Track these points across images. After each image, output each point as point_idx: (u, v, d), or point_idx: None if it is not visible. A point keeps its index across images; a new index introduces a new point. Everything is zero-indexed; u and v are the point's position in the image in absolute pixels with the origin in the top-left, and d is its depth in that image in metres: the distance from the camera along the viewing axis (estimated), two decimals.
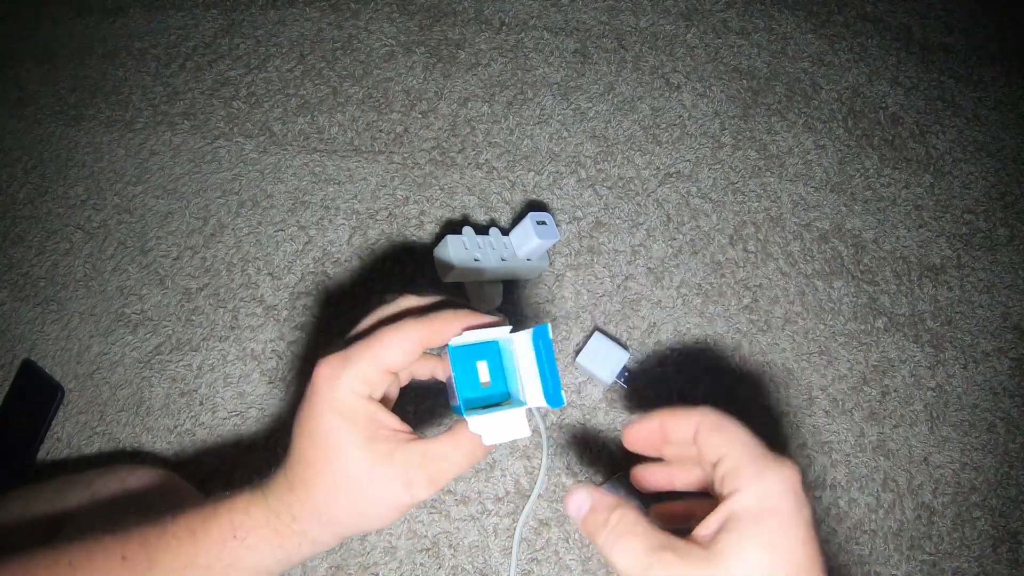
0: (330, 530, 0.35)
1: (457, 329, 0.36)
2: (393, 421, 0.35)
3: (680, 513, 0.39)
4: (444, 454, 0.35)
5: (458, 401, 0.37)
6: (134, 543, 0.35)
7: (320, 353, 0.35)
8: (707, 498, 0.35)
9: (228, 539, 0.34)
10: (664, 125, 0.76)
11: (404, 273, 0.68)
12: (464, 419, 0.36)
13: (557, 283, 0.68)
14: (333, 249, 0.69)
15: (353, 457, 0.34)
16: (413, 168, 0.73)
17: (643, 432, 0.37)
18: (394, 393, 0.39)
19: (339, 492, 0.34)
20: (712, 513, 0.31)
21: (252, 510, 0.35)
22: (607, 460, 0.61)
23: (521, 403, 0.38)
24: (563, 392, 0.38)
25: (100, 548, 0.35)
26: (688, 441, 0.34)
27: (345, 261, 0.69)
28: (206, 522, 0.35)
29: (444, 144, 0.74)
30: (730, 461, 0.32)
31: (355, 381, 0.34)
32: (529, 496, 0.59)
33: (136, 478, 0.54)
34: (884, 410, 0.65)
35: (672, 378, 0.64)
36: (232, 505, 0.35)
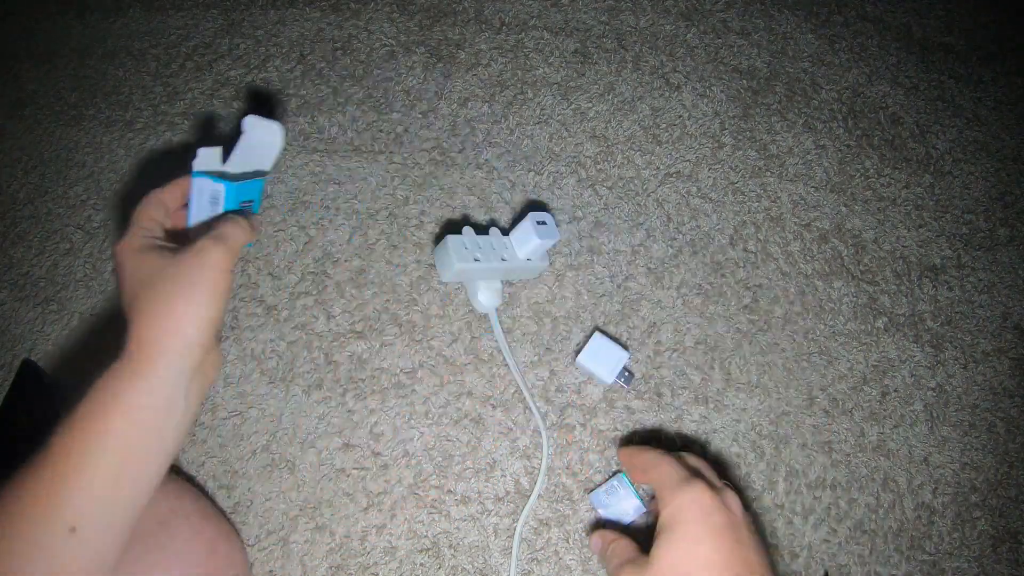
0: (197, 336, 0.40)
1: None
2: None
3: None
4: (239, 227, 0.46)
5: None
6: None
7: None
8: None
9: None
10: (664, 125, 0.76)
11: (404, 273, 0.68)
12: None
13: (557, 283, 0.67)
14: (333, 249, 0.69)
15: (145, 260, 0.42)
16: (413, 168, 0.73)
17: (623, 457, 0.58)
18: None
19: (159, 297, 0.40)
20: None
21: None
22: (607, 460, 0.61)
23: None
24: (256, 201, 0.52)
25: None
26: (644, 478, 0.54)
27: (345, 261, 0.69)
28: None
29: (444, 144, 0.74)
30: (657, 488, 0.47)
31: (158, 207, 0.47)
32: (529, 496, 0.59)
33: None
34: (884, 410, 0.65)
35: (672, 378, 0.64)
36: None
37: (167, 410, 0.39)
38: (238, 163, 0.51)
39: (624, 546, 0.48)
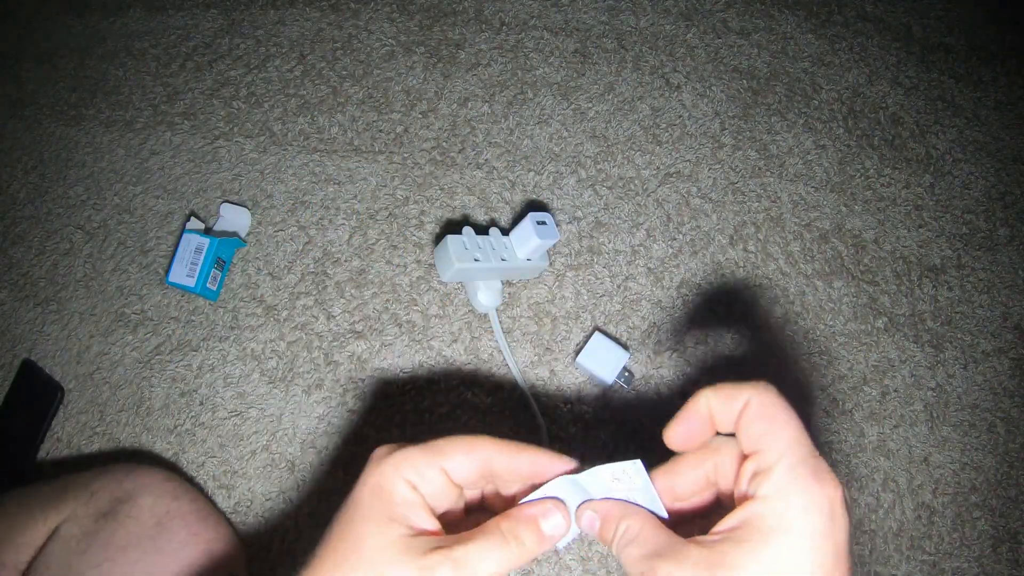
0: None
1: (533, 468, 0.33)
2: (429, 523, 0.31)
3: (696, 507, 0.34)
4: (479, 553, 0.30)
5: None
6: None
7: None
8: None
9: None
10: (664, 125, 0.76)
11: (404, 273, 0.68)
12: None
13: (557, 283, 0.67)
14: (333, 249, 0.69)
15: (370, 531, 0.30)
16: (413, 168, 0.73)
17: (689, 429, 0.32)
18: (456, 509, 0.35)
19: (346, 564, 0.30)
20: (730, 514, 0.28)
21: None
22: (608, 460, 0.61)
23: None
24: None
25: None
26: (732, 422, 0.30)
27: (345, 261, 0.69)
28: None
29: (444, 144, 0.74)
30: (766, 458, 0.28)
31: (403, 464, 0.31)
32: None
33: (132, 480, 0.54)
34: (884, 410, 0.65)
35: (672, 378, 0.64)
36: None
37: None
38: (219, 232, 0.68)
39: (646, 525, 0.31)
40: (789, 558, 0.26)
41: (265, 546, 0.59)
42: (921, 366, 0.67)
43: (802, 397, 0.65)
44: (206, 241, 0.66)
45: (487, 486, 0.35)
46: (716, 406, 0.31)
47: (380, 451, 0.33)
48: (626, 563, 0.30)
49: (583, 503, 0.33)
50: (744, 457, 0.30)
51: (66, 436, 0.64)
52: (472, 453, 0.32)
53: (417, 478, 0.32)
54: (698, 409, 0.31)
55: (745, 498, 0.28)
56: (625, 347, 0.64)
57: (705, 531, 0.29)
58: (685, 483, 0.33)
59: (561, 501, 0.33)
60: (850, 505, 0.32)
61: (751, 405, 0.29)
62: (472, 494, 0.36)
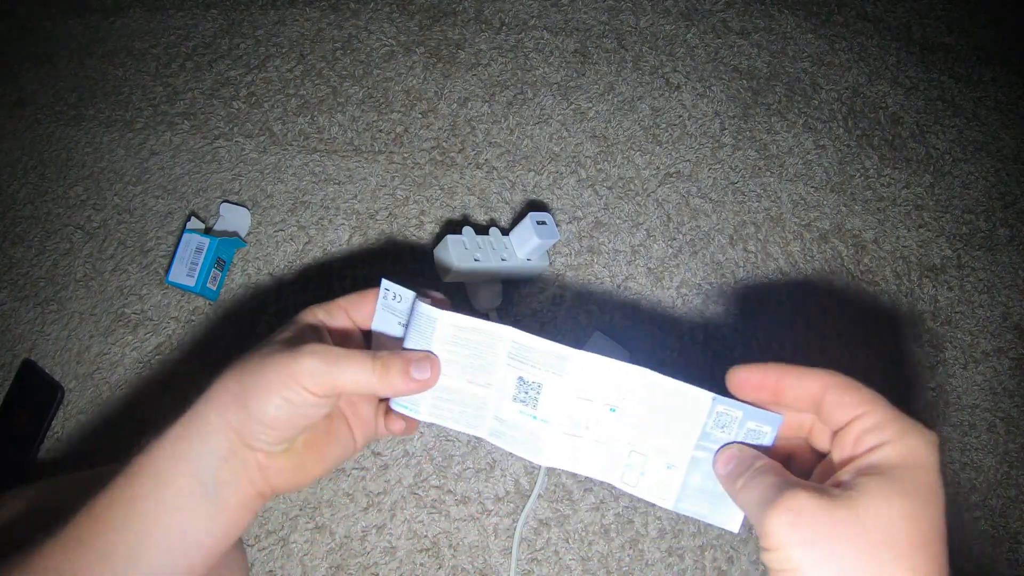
0: (226, 417, 0.34)
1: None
2: (327, 340, 0.37)
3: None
4: (348, 357, 0.34)
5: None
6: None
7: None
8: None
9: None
10: (664, 125, 0.76)
11: (404, 273, 0.68)
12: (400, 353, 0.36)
13: (557, 283, 0.68)
14: (333, 249, 0.69)
15: (266, 348, 0.35)
16: (413, 168, 0.73)
17: (756, 378, 0.36)
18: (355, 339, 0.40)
19: (239, 372, 0.35)
20: (845, 467, 0.31)
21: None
22: None
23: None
24: None
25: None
26: (805, 400, 0.34)
27: (345, 261, 0.69)
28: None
29: (444, 144, 0.74)
30: (871, 419, 0.32)
31: (312, 306, 0.38)
32: (529, 496, 0.59)
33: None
34: None
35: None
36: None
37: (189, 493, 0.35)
38: (219, 232, 0.68)
39: (772, 464, 0.33)
40: (923, 483, 0.31)
41: (265, 546, 0.59)
42: (921, 366, 0.67)
43: None
44: (206, 241, 0.66)
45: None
46: (790, 380, 0.35)
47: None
48: (752, 492, 0.32)
49: (723, 447, 0.36)
50: (831, 432, 0.34)
51: (66, 436, 0.64)
52: (365, 295, 0.39)
53: (323, 314, 0.38)
54: (769, 372, 0.36)
55: (852, 458, 0.31)
56: (625, 348, 0.64)
57: None
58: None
59: (436, 358, 0.36)
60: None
61: (835, 383, 0.33)
62: None
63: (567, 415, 0.36)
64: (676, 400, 0.36)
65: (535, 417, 0.36)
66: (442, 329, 0.36)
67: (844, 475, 0.31)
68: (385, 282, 0.38)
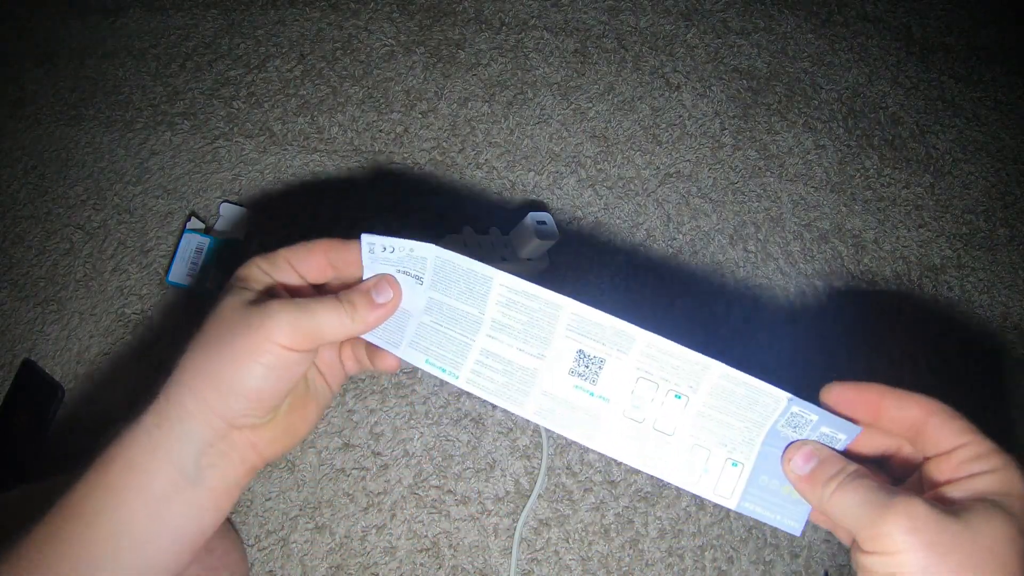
0: (207, 402, 0.33)
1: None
2: (280, 295, 0.35)
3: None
4: (317, 305, 0.33)
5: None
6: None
7: None
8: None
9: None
10: (664, 125, 0.76)
11: None
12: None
13: (557, 283, 0.67)
14: None
15: (226, 302, 0.34)
16: (413, 168, 0.73)
17: (854, 396, 0.35)
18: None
19: (205, 347, 0.34)
20: (951, 487, 0.32)
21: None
22: (607, 460, 0.61)
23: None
24: None
25: None
26: (903, 424, 0.34)
27: None
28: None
29: (444, 144, 0.74)
30: (976, 448, 0.33)
31: (256, 258, 0.36)
32: (529, 496, 0.59)
33: None
34: None
35: None
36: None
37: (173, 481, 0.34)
38: (219, 232, 0.68)
39: (865, 471, 0.33)
40: (1022, 513, 0.31)
41: (265, 546, 0.59)
42: (921, 366, 0.67)
43: (802, 398, 0.65)
44: (206, 241, 0.66)
45: (334, 280, 0.38)
46: (892, 402, 0.35)
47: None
48: (843, 507, 0.32)
49: (793, 443, 0.34)
50: (925, 458, 0.34)
51: (66, 436, 0.64)
52: (312, 246, 0.37)
53: (268, 266, 0.36)
54: (871, 390, 0.35)
55: (952, 481, 0.32)
56: None
57: None
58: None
59: (394, 280, 0.36)
60: None
61: (938, 411, 0.34)
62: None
63: (629, 393, 0.33)
64: (749, 396, 0.34)
65: (592, 394, 0.34)
66: (497, 291, 0.33)
67: (954, 493, 0.32)
68: (367, 237, 0.35)
